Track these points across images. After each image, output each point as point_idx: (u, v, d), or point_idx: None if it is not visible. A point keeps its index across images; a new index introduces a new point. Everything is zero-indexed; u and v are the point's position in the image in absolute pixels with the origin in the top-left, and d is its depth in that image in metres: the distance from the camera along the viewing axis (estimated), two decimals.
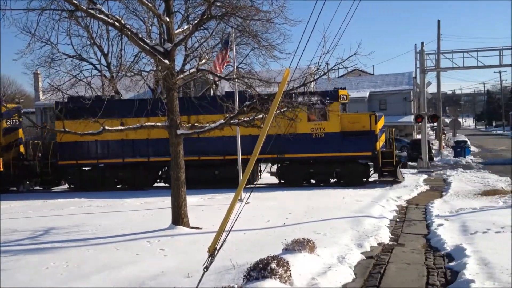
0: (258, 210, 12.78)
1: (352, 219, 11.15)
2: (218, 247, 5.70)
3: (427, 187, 18.02)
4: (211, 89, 22.58)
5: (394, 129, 22.48)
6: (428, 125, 25.60)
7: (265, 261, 6.20)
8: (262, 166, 20.94)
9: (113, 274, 7.22)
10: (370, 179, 19.41)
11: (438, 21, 35.63)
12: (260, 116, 10.49)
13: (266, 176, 20.84)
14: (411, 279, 6.94)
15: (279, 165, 19.89)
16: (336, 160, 18.98)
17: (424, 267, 7.55)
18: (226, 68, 18.76)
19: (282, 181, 19.72)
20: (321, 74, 11.30)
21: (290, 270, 6.26)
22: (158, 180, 20.98)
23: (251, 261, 6.55)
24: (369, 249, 8.64)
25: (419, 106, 24.36)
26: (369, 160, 19.28)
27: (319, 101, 11.14)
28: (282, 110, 10.34)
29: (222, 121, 10.90)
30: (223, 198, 15.69)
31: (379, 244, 9.15)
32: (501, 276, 6.33)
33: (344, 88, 20.54)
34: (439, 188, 17.64)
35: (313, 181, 19.57)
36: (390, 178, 19.27)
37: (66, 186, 21.72)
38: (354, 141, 18.76)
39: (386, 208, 13.22)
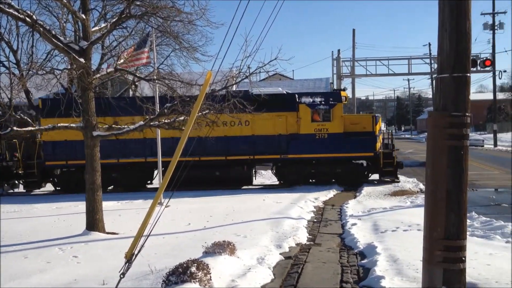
0: (178, 213, 12.62)
1: (272, 221, 11.35)
2: (135, 252, 5.55)
3: (341, 189, 18.80)
4: (131, 90, 21.96)
5: (392, 131, 23.15)
6: None
7: (184, 265, 6.13)
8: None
9: (21, 284, 6.77)
10: (369, 179, 20.13)
11: (353, 30, 37.36)
12: (182, 118, 10.37)
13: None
14: (327, 277, 7.20)
15: (279, 165, 19.92)
16: (339, 161, 19.34)
17: (338, 265, 7.86)
18: (146, 68, 18.33)
19: (281, 181, 19.95)
20: (243, 77, 11.45)
21: (210, 273, 6.24)
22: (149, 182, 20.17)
23: (170, 265, 6.44)
24: (287, 250, 8.85)
25: None
26: (370, 161, 19.74)
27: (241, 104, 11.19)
28: (204, 112, 10.30)
29: (142, 122, 10.64)
30: (142, 202, 15.30)
31: (297, 244, 9.41)
32: (408, 272, 6.76)
33: (345, 89, 21.44)
34: (353, 189, 18.46)
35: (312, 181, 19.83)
36: (390, 178, 19.94)
37: (52, 188, 20.09)
38: (356, 142, 19.19)
39: (304, 209, 13.62)
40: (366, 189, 17.69)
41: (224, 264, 7.03)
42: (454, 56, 5.07)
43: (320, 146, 19.17)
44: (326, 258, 8.42)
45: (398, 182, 19.67)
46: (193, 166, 18.29)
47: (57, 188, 19.82)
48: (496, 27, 42.25)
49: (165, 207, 7.94)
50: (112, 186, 20.05)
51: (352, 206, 14.06)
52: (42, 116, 18.09)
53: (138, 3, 10.49)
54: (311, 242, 9.76)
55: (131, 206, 14.72)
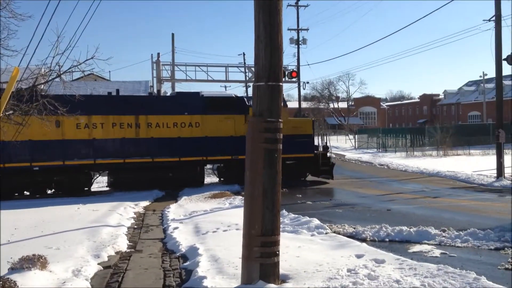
0: None
1: (88, 230, 10.70)
2: None
3: (162, 193, 18.71)
4: None
5: (328, 135, 24.65)
6: None
7: None
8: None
9: None
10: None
11: (172, 34, 37.69)
12: None
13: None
14: (149, 283, 7.09)
15: (221, 165, 21.28)
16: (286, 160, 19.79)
17: (161, 270, 7.80)
18: None
19: (221, 179, 21.63)
20: (55, 76, 10.59)
21: None
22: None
23: None
24: (106, 259, 8.45)
25: None
26: (310, 161, 21.21)
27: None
28: (8, 113, 9.22)
29: None
30: None
31: (117, 252, 9.05)
32: (228, 270, 7.06)
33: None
34: (174, 193, 18.54)
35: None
36: (327, 176, 21.58)
37: None
38: (299, 143, 20.57)
39: (124, 215, 13.18)
40: (187, 192, 17.96)
41: (35, 280, 6.38)
42: (269, 66, 5.49)
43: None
44: (148, 264, 8.28)
45: (331, 179, 21.47)
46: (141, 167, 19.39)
47: None
48: (300, 42, 47.08)
49: None
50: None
51: (173, 210, 14.12)
52: None
53: None
54: (132, 249, 9.49)
55: None
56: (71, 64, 9.84)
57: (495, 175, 21.67)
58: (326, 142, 22.59)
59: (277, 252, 6.09)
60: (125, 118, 18.82)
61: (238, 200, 15.31)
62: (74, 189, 18.33)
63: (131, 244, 9.97)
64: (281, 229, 6.39)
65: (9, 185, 17.47)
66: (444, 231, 9.89)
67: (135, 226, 12.11)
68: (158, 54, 28.59)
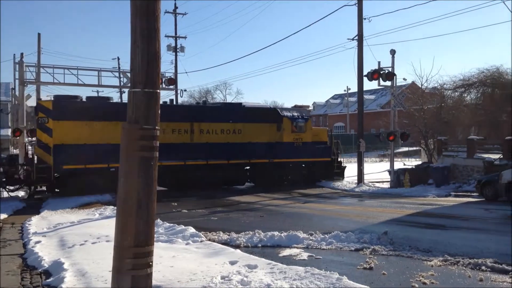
0: None
1: None
2: None
3: (23, 205, 17.15)
4: None
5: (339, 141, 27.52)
6: (26, 139, 24.51)
7: None
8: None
9: None
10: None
11: (39, 34, 34.90)
12: None
13: None
14: None
15: (249, 168, 23.12)
16: (308, 164, 24.26)
17: None
18: None
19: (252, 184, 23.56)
20: None
21: None
22: None
23: None
24: None
25: (18, 119, 23.05)
26: (327, 164, 24.89)
27: None
28: None
29: None
30: None
31: None
32: (97, 284, 6.69)
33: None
34: (36, 206, 17.08)
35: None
36: (339, 178, 25.20)
37: None
38: (320, 149, 24.55)
39: None
40: (50, 203, 16.69)
41: None
42: (146, 72, 5.37)
43: (297, 152, 23.54)
44: (6, 282, 7.49)
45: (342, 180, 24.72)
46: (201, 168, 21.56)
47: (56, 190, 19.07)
48: (178, 50, 46.82)
49: None
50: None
51: (35, 223, 12.99)
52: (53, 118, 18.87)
53: None
54: None
55: None
56: None
57: (356, 181, 23.68)
58: (337, 148, 25.98)
59: (151, 263, 5.92)
60: (183, 125, 21.53)
61: (109, 210, 14.64)
62: None
63: None
64: (155, 238, 6.24)
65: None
66: (311, 234, 10.51)
67: None
68: (22, 54, 26.23)
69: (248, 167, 23.15)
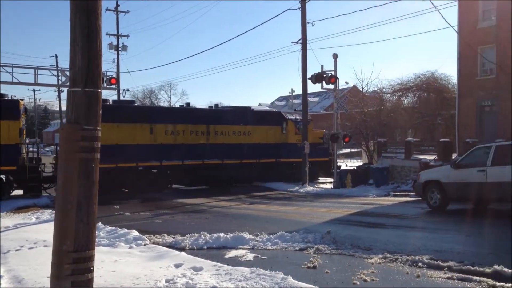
0: None
1: None
2: None
3: None
4: None
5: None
6: None
7: None
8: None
9: None
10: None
11: None
12: None
13: None
14: None
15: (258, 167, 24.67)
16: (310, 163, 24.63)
17: None
18: None
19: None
20: None
21: None
22: None
23: None
24: None
25: None
26: (325, 163, 26.55)
27: None
28: None
29: None
30: None
31: None
32: None
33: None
34: None
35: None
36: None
37: None
38: (318, 150, 25.98)
39: None
40: None
41: None
42: (87, 71, 5.20)
43: (300, 152, 24.18)
44: None
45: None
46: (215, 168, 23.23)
47: None
48: (120, 49, 45.67)
49: None
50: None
51: None
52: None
53: None
54: None
55: None
56: None
57: (301, 182, 24.09)
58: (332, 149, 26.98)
59: (92, 268, 5.73)
60: (200, 127, 22.94)
61: (47, 214, 14.06)
62: None
63: None
64: (96, 243, 6.05)
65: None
66: (257, 235, 10.57)
67: None
68: None
69: (253, 166, 24.88)
